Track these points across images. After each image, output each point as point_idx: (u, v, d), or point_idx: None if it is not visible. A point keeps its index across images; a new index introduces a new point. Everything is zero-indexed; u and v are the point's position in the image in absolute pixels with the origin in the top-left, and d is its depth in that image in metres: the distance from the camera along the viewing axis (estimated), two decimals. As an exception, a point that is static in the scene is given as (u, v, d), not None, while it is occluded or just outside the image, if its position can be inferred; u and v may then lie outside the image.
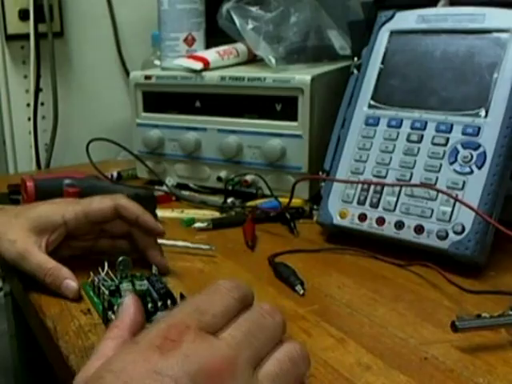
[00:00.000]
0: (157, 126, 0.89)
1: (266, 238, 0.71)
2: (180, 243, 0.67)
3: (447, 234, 0.60)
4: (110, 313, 0.49)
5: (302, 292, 0.56)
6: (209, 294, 0.36)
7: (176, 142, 0.87)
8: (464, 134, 0.62)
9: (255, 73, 0.81)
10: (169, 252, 0.66)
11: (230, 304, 0.35)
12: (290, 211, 0.75)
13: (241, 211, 0.79)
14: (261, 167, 0.82)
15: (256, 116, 0.81)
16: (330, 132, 0.73)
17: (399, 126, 0.67)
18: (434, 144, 0.64)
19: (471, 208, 0.58)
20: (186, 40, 0.90)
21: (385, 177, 0.66)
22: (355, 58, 0.75)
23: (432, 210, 0.61)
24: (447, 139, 0.63)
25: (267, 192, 0.81)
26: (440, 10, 0.71)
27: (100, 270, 0.56)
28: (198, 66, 0.84)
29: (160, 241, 0.66)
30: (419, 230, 0.61)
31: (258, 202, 0.80)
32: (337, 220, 0.67)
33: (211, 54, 0.87)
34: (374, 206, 0.65)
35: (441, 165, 0.63)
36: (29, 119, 1.21)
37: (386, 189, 0.65)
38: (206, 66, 0.85)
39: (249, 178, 0.82)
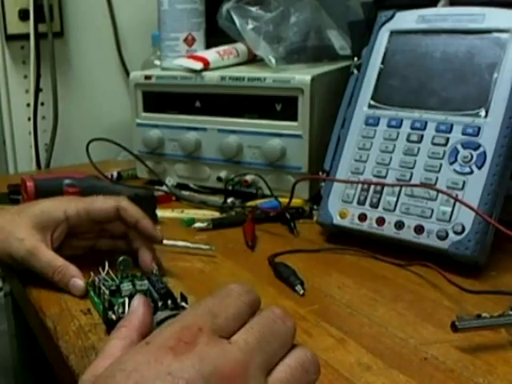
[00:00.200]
0: (157, 126, 0.89)
1: (266, 238, 0.71)
2: (180, 243, 0.67)
3: (447, 234, 0.60)
4: (110, 312, 0.49)
5: (301, 292, 0.56)
6: (220, 298, 0.35)
7: (176, 141, 0.87)
8: (464, 134, 0.62)
9: (255, 73, 0.81)
10: (169, 252, 0.66)
11: (242, 308, 0.35)
12: (289, 211, 0.75)
13: (241, 211, 0.79)
14: (261, 167, 0.82)
15: (256, 116, 0.81)
16: (330, 132, 0.73)
17: (399, 126, 0.67)
18: (434, 144, 0.64)
19: (471, 208, 0.58)
20: (186, 40, 0.90)
21: (385, 177, 0.66)
22: (355, 58, 0.75)
23: (432, 210, 0.61)
24: (447, 139, 0.63)
25: (267, 192, 0.81)
26: (440, 10, 0.71)
27: (100, 269, 0.56)
28: (198, 66, 0.84)
29: (160, 241, 0.66)
30: (419, 229, 0.61)
31: (258, 202, 0.80)
32: (337, 220, 0.67)
33: (211, 54, 0.87)
34: (374, 206, 0.65)
35: (441, 165, 0.63)
36: (29, 119, 1.21)
37: (385, 189, 0.65)
38: (206, 66, 0.85)
39: (249, 177, 0.82)
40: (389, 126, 0.67)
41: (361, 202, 0.66)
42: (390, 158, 0.66)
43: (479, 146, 0.61)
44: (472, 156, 0.61)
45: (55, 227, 0.59)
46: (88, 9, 1.25)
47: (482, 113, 0.62)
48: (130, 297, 0.50)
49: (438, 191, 0.61)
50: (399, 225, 0.63)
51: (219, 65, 0.87)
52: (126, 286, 0.52)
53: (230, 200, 0.82)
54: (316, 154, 0.79)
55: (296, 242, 0.70)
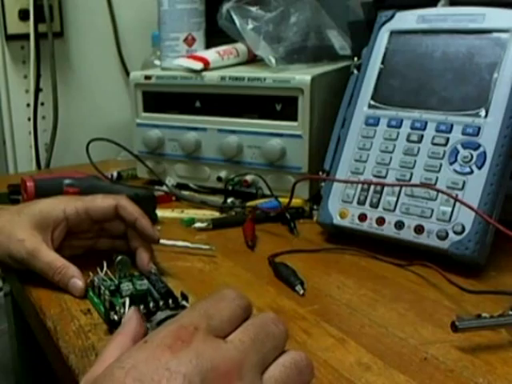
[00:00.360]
0: (157, 126, 0.89)
1: (266, 238, 0.71)
2: (180, 243, 0.67)
3: (447, 234, 0.60)
4: (112, 313, 0.49)
5: (301, 292, 0.56)
6: (215, 301, 0.36)
7: (176, 142, 0.87)
8: (464, 134, 0.62)
9: (255, 73, 0.81)
10: (169, 252, 0.66)
11: (236, 311, 0.35)
12: (289, 211, 0.75)
13: (241, 211, 0.79)
14: (261, 167, 0.82)
15: (256, 116, 0.81)
16: (330, 132, 0.73)
17: (399, 126, 0.67)
18: (434, 144, 0.64)
19: (471, 208, 0.58)
20: (186, 40, 0.90)
21: (385, 177, 0.66)
22: (355, 58, 0.75)
23: (432, 210, 0.61)
24: (447, 139, 0.63)
25: (267, 192, 0.81)
26: (440, 9, 0.71)
27: (99, 269, 0.56)
28: (198, 66, 0.84)
29: (160, 241, 0.66)
30: (419, 230, 0.61)
31: (258, 202, 0.80)
32: (337, 220, 0.67)
33: (211, 54, 0.87)
34: (374, 205, 0.65)
35: (441, 165, 0.63)
36: (29, 119, 1.21)
37: (386, 189, 0.65)
38: (206, 66, 0.85)
39: (249, 177, 0.82)
40: (389, 125, 0.67)
41: (361, 202, 0.66)
42: (390, 158, 0.66)
43: (479, 145, 0.61)
44: (472, 156, 0.61)
45: (55, 227, 0.59)
46: (88, 9, 1.25)
47: (482, 113, 0.62)
48: (131, 297, 0.50)
49: (438, 191, 0.61)
50: (399, 225, 0.63)
51: (219, 65, 0.87)
52: (126, 286, 0.52)
53: (229, 200, 0.82)
54: (316, 153, 0.79)
55: (296, 242, 0.70)
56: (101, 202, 0.60)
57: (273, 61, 0.83)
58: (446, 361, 0.45)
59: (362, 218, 0.65)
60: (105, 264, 0.56)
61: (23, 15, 1.15)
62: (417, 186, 0.63)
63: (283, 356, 0.35)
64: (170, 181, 0.89)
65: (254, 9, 0.86)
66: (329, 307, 0.54)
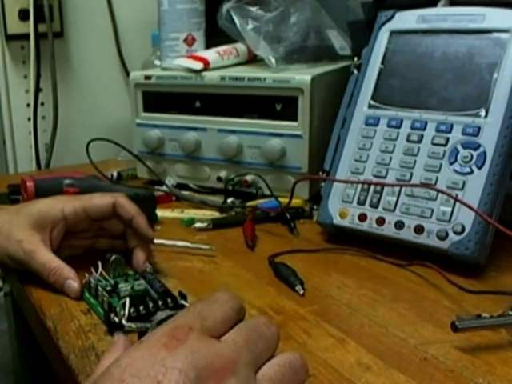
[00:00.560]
0: (157, 126, 0.89)
1: (266, 238, 0.71)
2: (180, 243, 0.67)
3: (447, 234, 0.60)
4: (112, 315, 0.49)
5: (301, 292, 0.56)
6: (208, 303, 0.37)
7: (176, 142, 0.87)
8: (464, 134, 0.62)
9: (255, 73, 0.81)
10: (169, 252, 0.66)
11: (229, 313, 0.36)
12: (289, 211, 0.75)
13: (241, 211, 0.79)
14: (261, 167, 0.82)
15: (256, 116, 0.81)
16: (330, 132, 0.73)
17: (399, 126, 0.67)
18: (434, 144, 0.64)
19: (471, 208, 0.58)
20: (186, 40, 0.90)
21: (385, 177, 0.66)
22: (355, 58, 0.75)
23: (432, 210, 0.61)
24: (447, 139, 0.63)
25: (267, 192, 0.81)
26: (440, 9, 0.71)
27: (93, 270, 0.56)
28: (198, 66, 0.84)
29: (160, 241, 0.66)
30: (419, 229, 0.61)
31: (258, 202, 0.80)
32: (337, 220, 0.67)
33: (211, 54, 0.87)
34: (374, 205, 0.65)
35: (441, 165, 0.63)
36: (29, 119, 1.21)
37: (386, 189, 0.65)
38: (206, 66, 0.85)
39: (249, 177, 0.82)
40: (389, 125, 0.67)
41: (361, 202, 0.66)
42: (390, 158, 0.66)
43: (479, 145, 0.61)
44: (472, 156, 0.61)
45: (53, 226, 0.59)
46: (88, 9, 1.25)
47: (482, 113, 0.62)
48: (130, 297, 0.50)
49: (438, 191, 0.61)
50: (399, 225, 0.63)
51: (219, 65, 0.87)
52: (124, 287, 0.52)
53: (229, 200, 0.82)
54: (316, 153, 0.79)
55: (296, 242, 0.70)
56: (99, 201, 0.60)
57: (273, 61, 0.83)
58: (445, 361, 0.45)
59: (362, 218, 0.65)
60: (99, 264, 0.56)
61: (23, 15, 1.15)
62: (417, 185, 0.63)
63: (277, 356, 0.36)
64: (170, 181, 0.89)
65: (254, 9, 0.86)
66: (329, 307, 0.54)
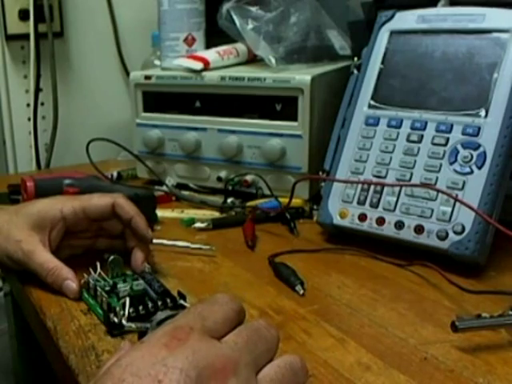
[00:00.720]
0: (157, 126, 0.89)
1: (266, 238, 0.71)
2: (180, 243, 0.67)
3: (447, 234, 0.60)
4: (111, 315, 0.49)
5: (301, 292, 0.56)
6: (209, 304, 0.37)
7: (176, 141, 0.87)
8: (464, 134, 0.62)
9: (255, 73, 0.81)
10: (169, 252, 0.66)
11: (229, 314, 0.36)
12: (289, 211, 0.75)
13: (241, 211, 0.79)
14: (261, 167, 0.82)
15: (256, 116, 0.81)
16: (330, 132, 0.73)
17: (399, 126, 0.67)
18: (434, 144, 0.64)
19: (471, 208, 0.58)
20: (186, 40, 0.90)
21: (385, 177, 0.66)
22: (355, 58, 0.75)
23: (432, 210, 0.61)
24: (447, 139, 0.63)
25: (267, 192, 0.81)
26: (440, 9, 0.71)
27: (92, 270, 0.56)
28: (198, 66, 0.84)
29: (160, 241, 0.66)
30: (419, 230, 0.61)
31: (258, 202, 0.80)
32: (337, 220, 0.67)
33: (211, 54, 0.87)
34: (374, 205, 0.65)
35: (441, 165, 0.63)
36: (29, 119, 1.21)
37: (386, 189, 0.65)
38: (206, 66, 0.85)
39: (249, 177, 0.82)
40: (389, 126, 0.67)
41: (361, 202, 0.66)
42: (390, 158, 0.66)
43: (479, 145, 0.61)
44: (472, 156, 0.61)
45: (52, 227, 0.59)
46: (88, 9, 1.25)
47: (482, 113, 0.62)
48: (129, 298, 0.50)
49: (438, 191, 0.61)
50: (399, 225, 0.63)
51: (219, 65, 0.87)
52: (123, 287, 0.52)
53: (229, 200, 0.82)
54: (316, 153, 0.79)
55: (296, 242, 0.70)
56: (98, 201, 0.60)
57: (273, 61, 0.83)
58: (445, 361, 0.45)
59: (362, 218, 0.65)
60: (98, 264, 0.56)
61: (23, 15, 1.15)
62: (417, 185, 0.63)
63: (278, 358, 0.36)
64: (170, 181, 0.89)
65: (254, 9, 0.86)
66: (329, 307, 0.54)
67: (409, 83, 0.68)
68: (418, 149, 0.64)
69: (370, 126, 0.68)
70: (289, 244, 0.69)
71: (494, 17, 0.64)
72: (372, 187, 0.66)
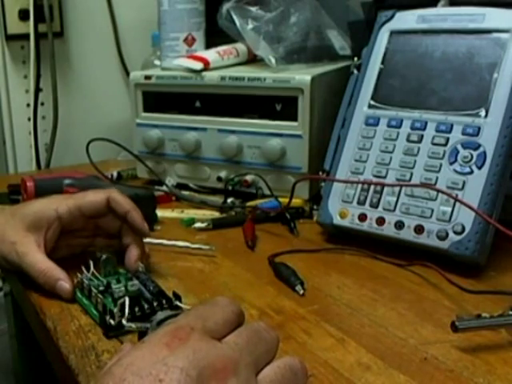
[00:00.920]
0: (157, 126, 0.89)
1: (266, 238, 0.71)
2: (180, 243, 0.67)
3: (447, 234, 0.60)
4: (107, 318, 0.49)
5: (301, 292, 0.56)
6: (209, 305, 0.37)
7: (176, 141, 0.87)
8: (464, 134, 0.62)
9: (255, 73, 0.81)
10: (169, 252, 0.66)
11: (230, 316, 0.37)
12: (289, 211, 0.75)
13: (241, 211, 0.79)
14: (261, 167, 0.82)
15: (256, 116, 0.81)
16: (330, 132, 0.73)
17: (399, 126, 0.67)
18: (434, 144, 0.64)
19: (471, 208, 0.58)
20: (186, 40, 0.90)
21: (385, 177, 0.66)
22: (355, 58, 0.75)
23: (432, 210, 0.61)
24: (447, 139, 0.63)
25: (267, 192, 0.81)
26: (440, 9, 0.71)
27: (84, 269, 0.55)
28: (198, 66, 0.84)
29: (160, 241, 0.66)
30: (419, 230, 0.61)
31: (258, 202, 0.80)
32: (337, 220, 0.67)
33: (211, 54, 0.87)
34: (374, 205, 0.65)
35: (441, 165, 0.63)
36: (29, 119, 1.21)
37: (386, 189, 0.65)
38: (206, 66, 0.85)
39: (249, 177, 0.82)
40: (389, 125, 0.67)
41: (361, 202, 0.66)
42: (390, 158, 0.66)
43: (479, 145, 0.61)
44: (472, 156, 0.61)
45: (48, 227, 0.58)
46: (88, 9, 1.25)
47: (482, 113, 0.62)
48: (125, 299, 0.50)
49: (438, 191, 0.61)
50: (399, 225, 0.63)
51: (219, 65, 0.87)
52: (118, 288, 0.51)
53: (229, 200, 0.82)
54: (316, 154, 0.79)
55: (296, 242, 0.70)
56: (92, 197, 0.60)
57: (273, 61, 0.83)
58: (446, 361, 0.45)
59: (362, 217, 0.65)
60: (91, 263, 0.56)
61: (23, 15, 1.15)
62: (417, 185, 0.63)
63: (278, 360, 0.36)
64: (170, 181, 0.89)
65: (253, 9, 0.86)
66: (329, 307, 0.54)
67: (409, 83, 0.68)
68: (418, 149, 0.64)
69: (369, 126, 0.68)
70: (289, 244, 0.69)
71: (494, 17, 0.64)
72: (372, 187, 0.66)
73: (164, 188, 0.86)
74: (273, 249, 0.66)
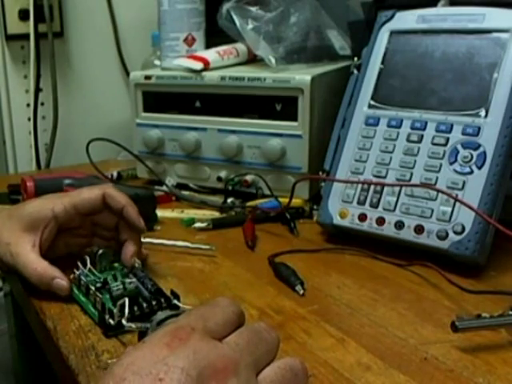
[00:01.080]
0: (157, 126, 0.89)
1: (266, 238, 0.71)
2: (180, 243, 0.67)
3: (447, 234, 0.60)
4: (107, 317, 0.49)
5: (301, 292, 0.56)
6: (210, 306, 0.37)
7: (176, 141, 0.87)
8: (464, 134, 0.62)
9: (255, 73, 0.81)
10: (169, 252, 0.66)
11: (230, 316, 0.37)
12: (289, 211, 0.75)
13: (241, 211, 0.79)
14: (261, 167, 0.82)
15: (256, 116, 0.81)
16: (330, 132, 0.73)
17: (399, 126, 0.67)
18: (434, 144, 0.64)
19: (471, 208, 0.58)
20: (186, 40, 0.90)
21: (385, 177, 0.66)
22: (355, 58, 0.75)
23: (432, 210, 0.61)
24: (447, 139, 0.63)
25: (267, 192, 0.81)
26: (440, 9, 0.71)
27: (81, 265, 0.55)
28: (198, 66, 0.84)
29: (160, 241, 0.66)
30: (419, 230, 0.61)
31: (258, 202, 0.80)
32: (337, 220, 0.67)
33: (211, 54, 0.87)
34: (374, 205, 0.65)
35: (441, 165, 0.63)
36: (29, 119, 1.21)
37: (386, 189, 0.65)
38: (206, 66, 0.85)
39: (249, 177, 0.82)
40: (389, 126, 0.67)
41: (361, 202, 0.66)
42: (390, 158, 0.66)
43: (479, 145, 0.61)
44: (472, 156, 0.61)
45: (45, 227, 0.58)
46: (88, 9, 1.25)
47: (482, 113, 0.62)
48: (124, 298, 0.50)
49: (438, 191, 0.61)
50: (399, 225, 0.63)
51: (219, 65, 0.87)
52: (116, 286, 0.51)
53: (229, 200, 0.82)
54: (316, 154, 0.79)
55: (296, 242, 0.70)
56: (88, 194, 0.59)
57: (273, 61, 0.83)
58: (446, 361, 0.45)
59: (362, 218, 0.65)
60: (88, 259, 0.56)
61: (23, 15, 1.15)
62: (417, 186, 0.63)
63: (278, 360, 0.36)
64: (170, 181, 0.89)
65: (253, 9, 0.86)
66: (329, 307, 0.54)
67: (409, 83, 0.68)
68: (418, 149, 0.64)
69: (369, 126, 0.68)
70: (289, 244, 0.69)
71: (494, 17, 0.64)
72: (372, 187, 0.66)
73: (164, 188, 0.86)
74: (273, 249, 0.66)
